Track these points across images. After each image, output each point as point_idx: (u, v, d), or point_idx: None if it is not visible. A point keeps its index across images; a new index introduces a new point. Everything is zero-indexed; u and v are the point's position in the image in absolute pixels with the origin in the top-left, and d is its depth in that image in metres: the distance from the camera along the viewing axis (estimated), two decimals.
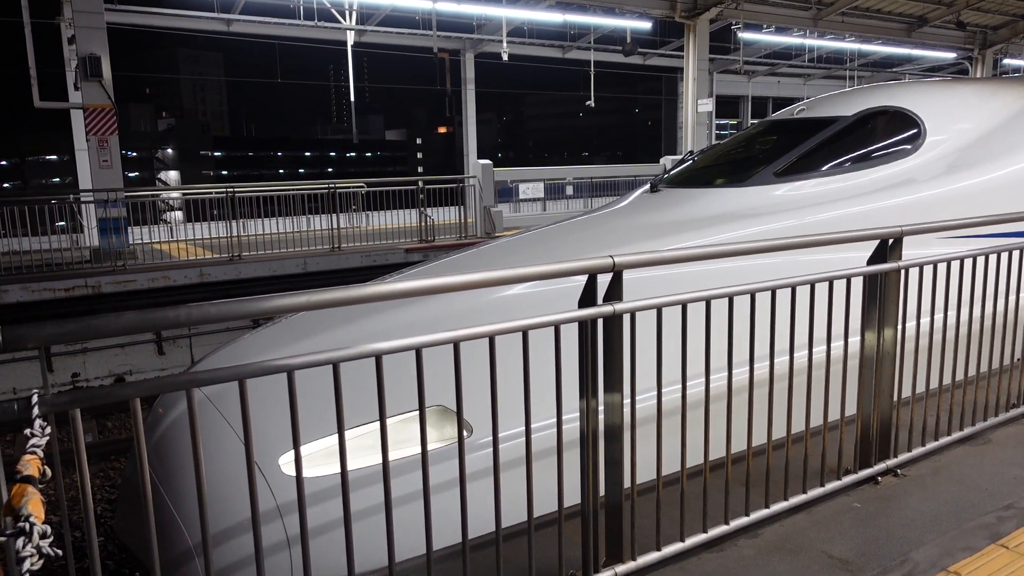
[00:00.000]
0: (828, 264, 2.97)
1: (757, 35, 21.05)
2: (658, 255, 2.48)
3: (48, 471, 1.40)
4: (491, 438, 2.16)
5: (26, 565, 1.16)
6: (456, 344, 2.05)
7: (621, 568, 2.41)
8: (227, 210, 12.22)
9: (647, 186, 5.34)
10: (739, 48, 22.30)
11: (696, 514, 2.57)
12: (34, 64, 12.27)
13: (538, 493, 2.22)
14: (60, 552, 1.27)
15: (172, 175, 72.84)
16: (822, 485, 2.92)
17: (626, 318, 2.32)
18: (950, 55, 24.08)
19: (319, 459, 2.78)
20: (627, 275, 2.33)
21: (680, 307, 2.44)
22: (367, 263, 12.45)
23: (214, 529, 2.51)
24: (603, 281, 2.32)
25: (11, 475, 1.35)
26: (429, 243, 13.41)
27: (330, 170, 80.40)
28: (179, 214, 15.15)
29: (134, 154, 70.96)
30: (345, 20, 17.05)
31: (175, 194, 20.40)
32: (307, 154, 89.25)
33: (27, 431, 1.45)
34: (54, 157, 69.42)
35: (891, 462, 3.16)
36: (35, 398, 1.51)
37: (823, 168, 4.74)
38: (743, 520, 2.68)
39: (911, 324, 3.18)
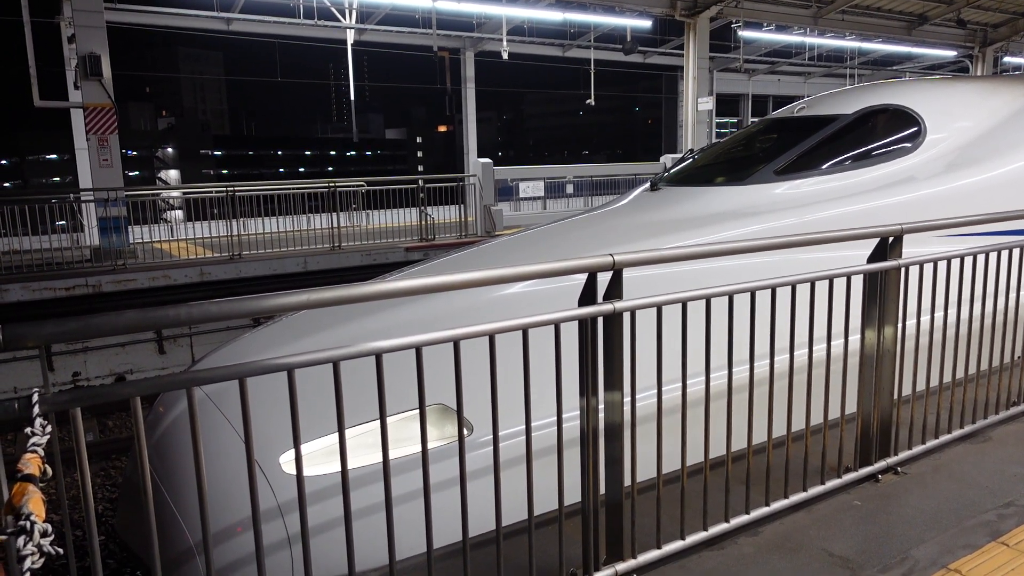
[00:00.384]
0: (828, 262, 2.97)
1: (757, 33, 21.04)
2: (658, 253, 2.48)
3: (49, 470, 1.40)
4: (491, 436, 2.16)
5: (27, 564, 1.16)
6: (456, 343, 2.05)
7: (621, 566, 2.41)
8: (227, 209, 12.22)
9: (647, 184, 5.34)
10: (739, 46, 22.29)
11: (696, 512, 2.57)
12: (34, 63, 12.27)
13: (538, 491, 2.23)
14: (61, 551, 1.27)
15: (172, 174, 72.87)
16: (822, 483, 2.92)
17: (626, 316, 2.32)
18: (950, 53, 24.06)
19: (319, 458, 2.78)
20: (627, 273, 2.33)
21: (680, 305, 2.44)
22: (367, 262, 12.46)
23: (215, 528, 2.51)
24: (603, 279, 2.32)
25: (12, 474, 1.35)
26: (429, 242, 13.41)
27: (330, 169, 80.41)
28: (179, 213, 15.15)
29: (134, 153, 71.00)
30: (345, 19, 17.04)
31: (175, 193, 20.41)
32: (307, 153, 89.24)
33: (28, 430, 1.45)
34: (54, 156, 69.43)
35: (891, 460, 3.16)
36: (36, 397, 1.52)
37: (823, 166, 4.74)
38: (743, 518, 2.68)
39: (911, 322, 3.18)
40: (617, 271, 2.31)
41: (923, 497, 2.98)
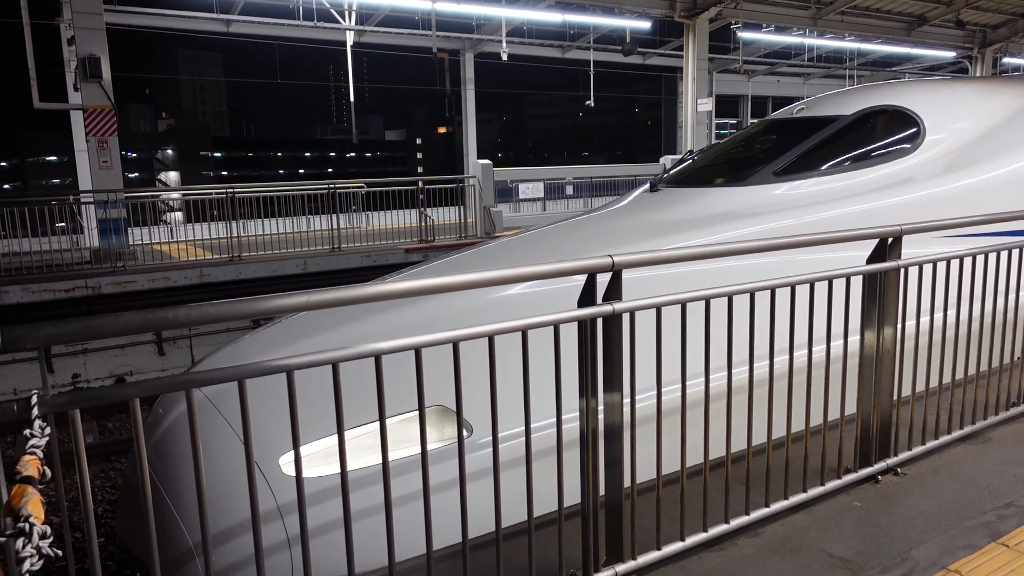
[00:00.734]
0: (828, 263, 2.97)
1: (757, 34, 21.06)
2: (657, 254, 2.48)
3: (48, 471, 1.40)
4: (491, 438, 2.16)
5: (26, 566, 1.16)
6: (455, 344, 2.05)
7: (621, 567, 2.41)
8: (227, 211, 12.22)
9: (647, 186, 5.34)
10: (739, 47, 22.29)
11: (696, 513, 2.56)
12: (34, 65, 12.27)
13: (538, 493, 2.22)
14: (60, 552, 1.27)
15: (172, 176, 72.87)
16: (822, 484, 2.92)
17: (625, 317, 2.32)
18: (950, 54, 24.08)
19: (319, 459, 2.78)
20: (626, 274, 2.33)
21: (679, 306, 2.44)
22: (367, 263, 12.46)
23: (214, 529, 2.51)
24: (602, 280, 2.32)
25: (11, 475, 1.35)
26: (429, 243, 13.41)
27: (330, 170, 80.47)
28: (179, 215, 15.16)
29: (134, 155, 71.03)
30: (344, 20, 17.05)
31: (175, 195, 20.41)
32: (307, 154, 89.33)
33: (27, 432, 1.45)
34: (54, 158, 69.49)
35: (891, 461, 3.16)
36: (35, 399, 1.52)
37: (823, 167, 4.74)
38: (743, 519, 2.68)
39: (911, 323, 3.18)
40: (616, 272, 2.31)
41: (923, 498, 2.98)
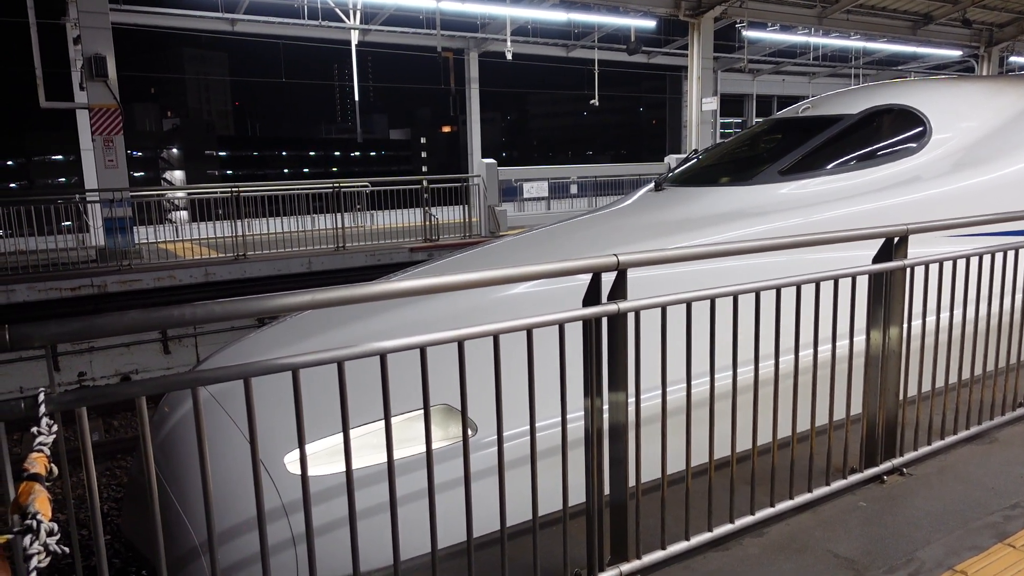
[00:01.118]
0: (833, 263, 2.96)
1: (762, 33, 21.00)
2: (662, 254, 2.47)
3: (55, 469, 1.41)
4: (495, 437, 2.16)
5: (33, 563, 1.16)
6: (460, 343, 2.05)
7: (626, 567, 2.40)
8: (232, 209, 12.24)
9: (651, 185, 5.33)
10: (743, 46, 22.26)
11: (701, 513, 2.56)
12: (40, 64, 12.31)
13: (543, 492, 2.22)
14: (67, 550, 1.27)
15: (177, 175, 73.02)
16: (827, 484, 2.91)
17: (630, 317, 2.32)
18: (956, 53, 23.99)
19: (324, 458, 2.78)
20: (632, 274, 2.33)
21: (685, 306, 2.43)
22: (371, 262, 12.47)
23: (219, 527, 2.51)
24: (608, 280, 2.32)
25: (18, 473, 1.36)
26: (433, 242, 13.41)
27: (334, 169, 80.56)
28: (184, 214, 15.21)
29: (139, 154, 71.18)
30: (349, 19, 17.06)
31: (180, 194, 20.47)
32: (311, 153, 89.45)
33: (34, 429, 1.45)
34: (60, 157, 69.68)
35: (897, 461, 3.15)
36: (42, 396, 1.52)
37: (828, 166, 4.73)
38: (748, 519, 2.67)
39: (916, 323, 3.17)
40: (621, 271, 2.31)
41: (929, 498, 2.97)
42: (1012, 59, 24.76)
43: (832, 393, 2.91)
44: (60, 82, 13.87)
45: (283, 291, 1.98)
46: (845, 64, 26.70)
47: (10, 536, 1.20)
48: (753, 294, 2.59)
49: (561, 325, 2.20)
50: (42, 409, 1.50)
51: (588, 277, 2.30)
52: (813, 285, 2.75)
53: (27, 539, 1.18)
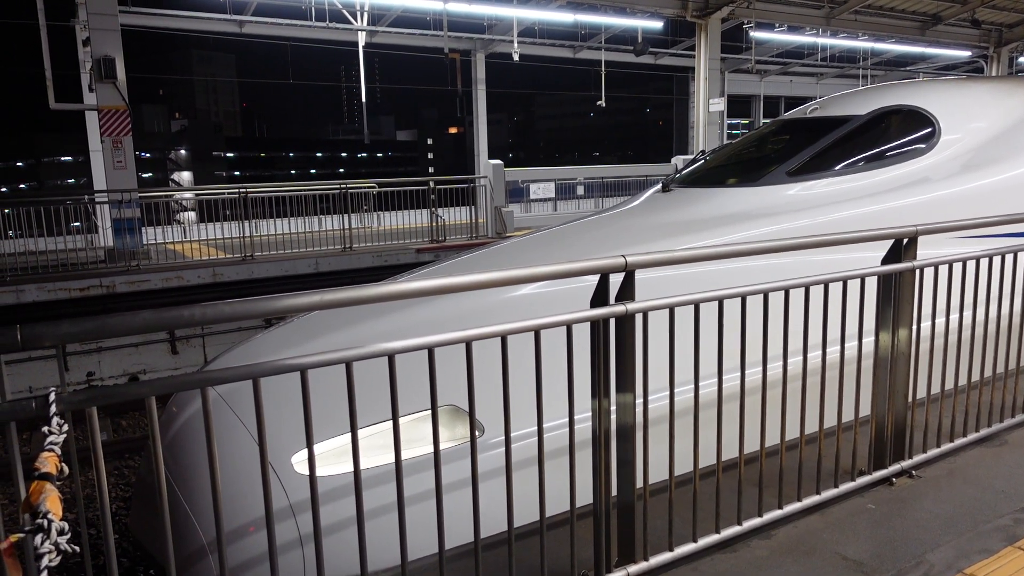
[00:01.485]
0: (842, 264, 2.95)
1: (769, 34, 20.93)
2: (670, 255, 2.47)
3: (66, 469, 1.41)
4: (503, 438, 2.16)
5: (44, 561, 1.17)
6: (468, 344, 2.05)
7: (633, 568, 2.40)
8: (239, 210, 12.29)
9: (659, 186, 5.32)
10: (751, 47, 22.18)
11: (709, 514, 2.56)
12: (49, 66, 12.38)
13: (550, 493, 2.22)
14: (77, 549, 1.28)
15: (185, 176, 73.33)
16: (836, 486, 2.90)
17: (638, 318, 2.31)
18: (965, 53, 23.86)
19: (332, 458, 2.79)
20: (639, 275, 2.32)
21: (693, 307, 2.43)
22: (378, 263, 12.49)
23: (228, 527, 2.52)
24: (615, 281, 2.32)
25: (29, 472, 1.36)
26: (440, 243, 13.43)
27: (341, 170, 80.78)
28: (192, 214, 15.25)
29: (148, 155, 71.55)
30: (356, 21, 17.10)
31: (188, 195, 20.54)
32: (319, 155, 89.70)
33: (44, 429, 1.46)
34: (69, 158, 70.10)
35: (906, 463, 3.13)
36: (52, 396, 1.53)
37: (836, 167, 4.71)
38: (756, 521, 2.66)
39: (926, 324, 3.16)
40: (629, 272, 2.30)
41: (938, 501, 2.95)
42: (1021, 59, 24.61)
43: (841, 395, 2.90)
44: (69, 84, 13.95)
45: (291, 292, 1.98)
46: (853, 65, 26.58)
47: (22, 535, 1.20)
48: (761, 295, 2.58)
49: (569, 326, 2.20)
50: (53, 409, 1.51)
51: (596, 278, 2.30)
52: (822, 286, 2.74)
53: (38, 538, 1.19)
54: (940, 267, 3.12)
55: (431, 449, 2.06)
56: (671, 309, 2.37)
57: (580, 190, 17.89)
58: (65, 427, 1.50)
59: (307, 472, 1.91)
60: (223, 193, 13.06)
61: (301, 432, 1.90)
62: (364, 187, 14.34)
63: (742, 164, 5.51)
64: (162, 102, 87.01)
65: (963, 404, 3.39)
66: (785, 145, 5.27)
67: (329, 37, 18.03)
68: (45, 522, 1.20)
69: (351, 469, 1.96)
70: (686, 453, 2.48)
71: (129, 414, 8.55)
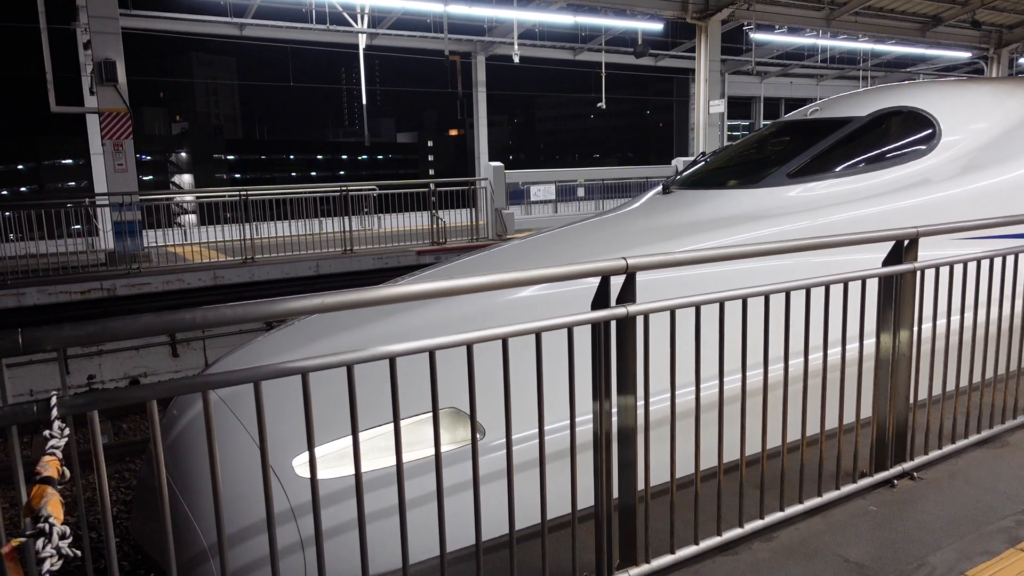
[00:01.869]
0: (843, 265, 2.95)
1: (769, 36, 20.94)
2: (671, 257, 2.47)
3: (67, 472, 1.41)
4: (504, 440, 2.16)
5: (46, 566, 1.17)
6: (469, 346, 2.05)
7: (635, 571, 2.40)
8: (240, 213, 12.30)
9: (659, 188, 5.32)
10: (751, 49, 22.19)
11: (710, 517, 2.55)
12: (50, 69, 12.41)
13: (551, 495, 2.22)
14: (79, 552, 1.28)
15: (186, 178, 73.35)
16: (837, 488, 2.90)
17: (639, 320, 2.31)
18: (965, 55, 23.88)
19: (333, 461, 2.78)
20: (640, 277, 2.32)
21: (694, 309, 2.43)
22: (379, 265, 12.50)
23: (229, 530, 2.52)
24: (616, 283, 2.31)
25: (30, 476, 1.36)
26: (441, 245, 13.43)
27: (342, 173, 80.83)
28: (193, 217, 15.27)
29: (148, 158, 71.57)
30: (357, 23, 17.11)
31: (189, 197, 20.55)
32: (319, 157, 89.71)
33: (46, 432, 1.46)
34: (70, 161, 70.09)
35: (907, 465, 3.13)
36: (54, 400, 1.53)
37: (837, 169, 4.71)
38: (757, 523, 2.66)
39: (927, 326, 3.16)
40: (630, 274, 2.30)
41: (940, 503, 2.95)
42: (1022, 61, 24.62)
43: (842, 396, 2.90)
44: (70, 87, 13.97)
45: (291, 295, 1.98)
46: (853, 66, 26.60)
47: (23, 539, 1.20)
48: (762, 297, 2.58)
49: (570, 328, 2.19)
50: (54, 412, 1.50)
51: (597, 280, 2.30)
52: (823, 288, 2.74)
53: (40, 542, 1.18)
54: (941, 268, 3.12)
55: (432, 452, 2.06)
56: (672, 311, 2.37)
57: (580, 192, 17.89)
58: (66, 431, 1.50)
59: (308, 475, 1.91)
60: (224, 196, 13.07)
61: (302, 435, 1.90)
62: (364, 189, 14.35)
63: (743, 166, 5.51)
64: (163, 105, 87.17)
65: (964, 406, 3.38)
66: (785, 147, 5.26)
67: (329, 39, 18.05)
68: (46, 526, 1.20)
69: (352, 472, 1.96)
70: (687, 455, 2.48)
71: (130, 417, 8.55)
